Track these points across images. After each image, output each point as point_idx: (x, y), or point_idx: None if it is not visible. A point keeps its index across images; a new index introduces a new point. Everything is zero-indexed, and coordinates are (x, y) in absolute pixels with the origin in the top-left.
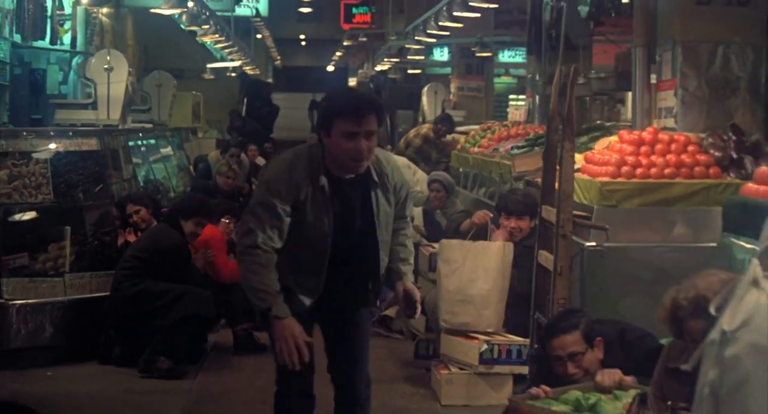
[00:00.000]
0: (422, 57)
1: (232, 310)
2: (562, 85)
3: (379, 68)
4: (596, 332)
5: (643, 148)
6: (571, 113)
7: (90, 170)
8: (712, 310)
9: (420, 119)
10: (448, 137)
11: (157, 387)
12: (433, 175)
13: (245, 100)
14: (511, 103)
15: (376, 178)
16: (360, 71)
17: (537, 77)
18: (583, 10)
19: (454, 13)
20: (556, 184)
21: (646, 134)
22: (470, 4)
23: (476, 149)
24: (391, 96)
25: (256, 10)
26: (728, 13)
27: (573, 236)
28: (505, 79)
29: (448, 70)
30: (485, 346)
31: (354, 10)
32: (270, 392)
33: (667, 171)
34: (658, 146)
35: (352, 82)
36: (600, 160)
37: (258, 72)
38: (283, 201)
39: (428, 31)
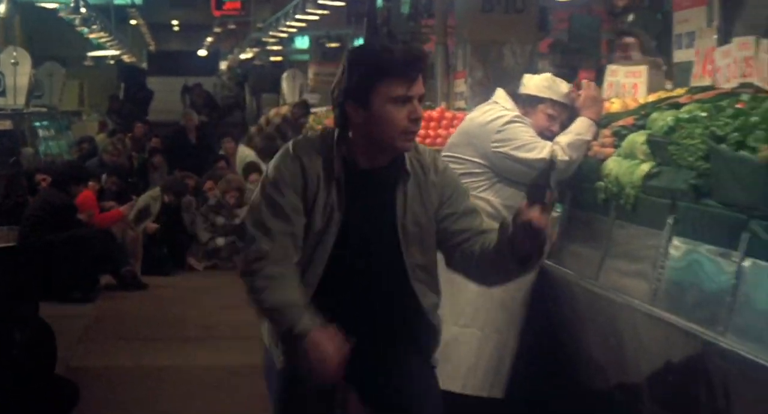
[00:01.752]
0: (280, 47)
1: (115, 253)
2: None
3: (243, 56)
4: None
5: (432, 123)
6: None
7: (5, 146)
8: None
9: (281, 101)
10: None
11: (61, 312)
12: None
13: (122, 85)
14: None
15: (409, 168)
16: (230, 56)
17: None
18: (405, 9)
19: (307, 10)
20: None
21: (435, 113)
22: (319, 2)
23: (320, 126)
24: (257, 81)
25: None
26: (506, 19)
27: None
28: None
29: (307, 56)
30: None
31: None
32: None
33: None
34: (444, 122)
35: (223, 66)
36: None
37: (134, 59)
38: (292, 199)
39: (288, 23)
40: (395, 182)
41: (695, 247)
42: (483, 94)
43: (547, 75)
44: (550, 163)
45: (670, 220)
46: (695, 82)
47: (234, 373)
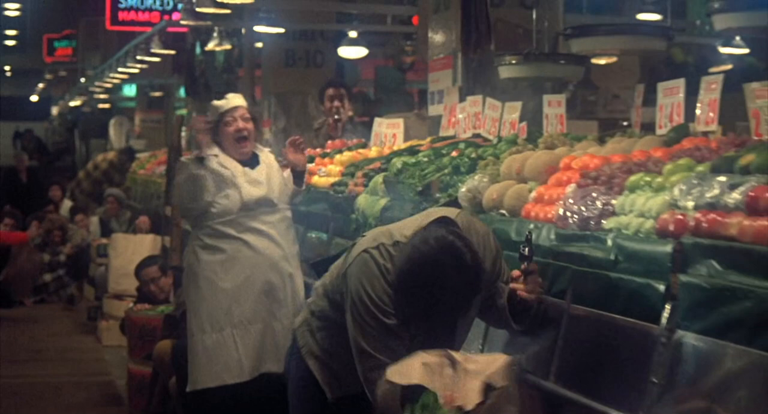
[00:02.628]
0: (107, 95)
1: None
2: (178, 125)
3: (73, 103)
4: None
5: None
6: (179, 145)
7: None
8: None
9: (108, 147)
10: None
11: None
12: (108, 191)
13: None
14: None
15: None
16: (61, 102)
17: (194, 114)
18: (219, 62)
19: (135, 59)
20: None
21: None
22: (143, 55)
23: (142, 171)
24: (86, 126)
25: None
26: (307, 72)
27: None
28: (183, 111)
29: (134, 103)
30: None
31: (56, 44)
32: None
33: None
34: None
35: (55, 111)
36: None
37: None
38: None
39: (116, 70)
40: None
41: None
42: (285, 142)
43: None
44: (528, 235)
45: None
46: (443, 132)
47: (57, 387)
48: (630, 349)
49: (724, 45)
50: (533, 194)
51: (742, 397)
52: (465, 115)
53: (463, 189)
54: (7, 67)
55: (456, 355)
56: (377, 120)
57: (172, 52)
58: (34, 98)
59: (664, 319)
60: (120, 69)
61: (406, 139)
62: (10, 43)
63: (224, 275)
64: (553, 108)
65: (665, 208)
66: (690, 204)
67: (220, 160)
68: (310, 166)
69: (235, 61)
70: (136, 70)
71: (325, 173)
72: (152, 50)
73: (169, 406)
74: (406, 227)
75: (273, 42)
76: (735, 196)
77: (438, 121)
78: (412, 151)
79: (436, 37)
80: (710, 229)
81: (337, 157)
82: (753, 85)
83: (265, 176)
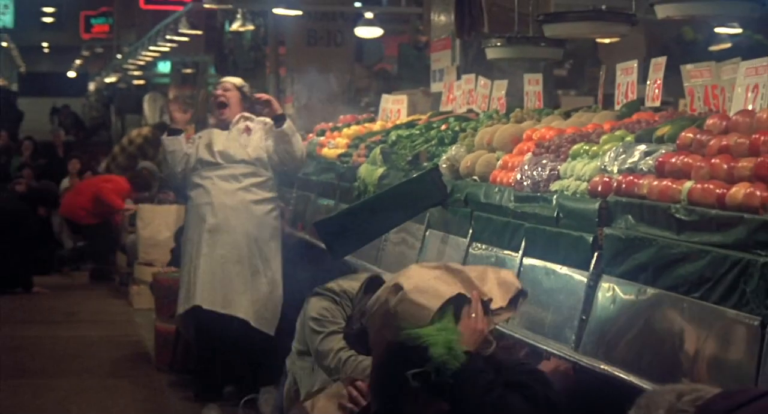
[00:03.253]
0: (141, 72)
1: None
2: (203, 100)
3: (108, 80)
4: None
5: None
6: (204, 119)
7: None
8: None
9: (143, 122)
10: None
11: None
12: (141, 164)
13: None
14: None
15: None
16: (97, 78)
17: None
18: (247, 42)
19: (167, 37)
20: None
21: None
22: (179, 31)
23: None
24: (122, 102)
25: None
26: (327, 51)
27: None
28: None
29: (168, 80)
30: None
31: (93, 21)
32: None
33: None
34: None
35: (92, 87)
36: None
37: (6, 83)
38: None
39: (150, 48)
40: None
41: None
42: (308, 118)
43: None
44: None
45: None
46: (442, 108)
47: (90, 345)
48: (567, 292)
49: (719, 24)
50: (500, 162)
51: (648, 327)
52: (461, 92)
53: (444, 158)
54: (45, 44)
55: (453, 264)
56: (384, 96)
57: (199, 32)
58: (71, 74)
59: (591, 266)
60: (151, 48)
61: (412, 113)
62: (48, 20)
63: (189, 218)
64: (533, 86)
65: (596, 173)
66: (615, 168)
67: (201, 133)
68: (321, 138)
69: (261, 40)
70: (166, 49)
71: (334, 146)
72: (180, 30)
73: (191, 361)
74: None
75: (295, 23)
76: (649, 161)
77: (439, 97)
78: (410, 125)
79: (437, 20)
80: (627, 189)
81: (345, 130)
82: (688, 67)
83: (225, 137)
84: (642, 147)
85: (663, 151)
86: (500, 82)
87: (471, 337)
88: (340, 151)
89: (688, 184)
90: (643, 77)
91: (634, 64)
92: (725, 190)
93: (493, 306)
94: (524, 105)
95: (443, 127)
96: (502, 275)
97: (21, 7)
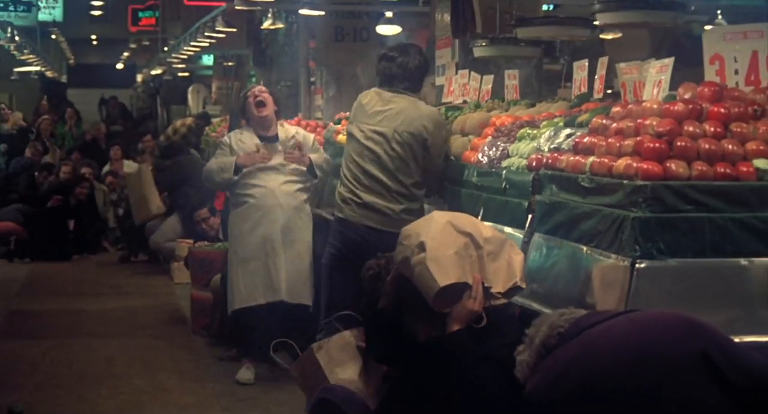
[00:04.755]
0: (184, 65)
1: None
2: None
3: (154, 72)
4: None
5: None
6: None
7: None
8: None
9: (187, 113)
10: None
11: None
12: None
13: (45, 97)
14: None
15: None
16: (144, 70)
17: (261, 82)
18: (282, 37)
19: (206, 33)
20: None
21: (293, 122)
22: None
23: (214, 134)
24: (167, 94)
25: (53, 17)
26: (354, 47)
27: None
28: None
29: (211, 72)
30: None
31: (140, 14)
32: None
33: None
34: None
35: (139, 78)
36: None
37: (56, 74)
38: None
39: (193, 43)
40: None
41: None
42: (336, 108)
43: None
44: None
45: None
46: (444, 99)
47: (134, 312)
48: None
49: (708, 22)
50: (470, 144)
51: (562, 270)
52: (457, 85)
53: None
54: (93, 37)
55: (477, 235)
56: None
57: (234, 30)
58: (119, 66)
59: (526, 226)
60: (192, 43)
61: None
62: (97, 13)
63: (253, 215)
64: (511, 80)
65: (533, 152)
66: (546, 148)
67: (240, 137)
68: (337, 126)
69: (294, 35)
70: (206, 44)
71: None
72: (217, 28)
73: (226, 327)
74: None
75: (323, 20)
76: (569, 142)
77: (440, 90)
78: None
79: (441, 20)
80: (553, 164)
81: None
82: (622, 65)
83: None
84: (567, 131)
85: (578, 134)
86: (488, 77)
87: (465, 315)
88: None
89: (591, 158)
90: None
91: (585, 62)
92: (613, 163)
93: (492, 290)
94: (505, 97)
95: None
96: (513, 257)
97: (70, 0)
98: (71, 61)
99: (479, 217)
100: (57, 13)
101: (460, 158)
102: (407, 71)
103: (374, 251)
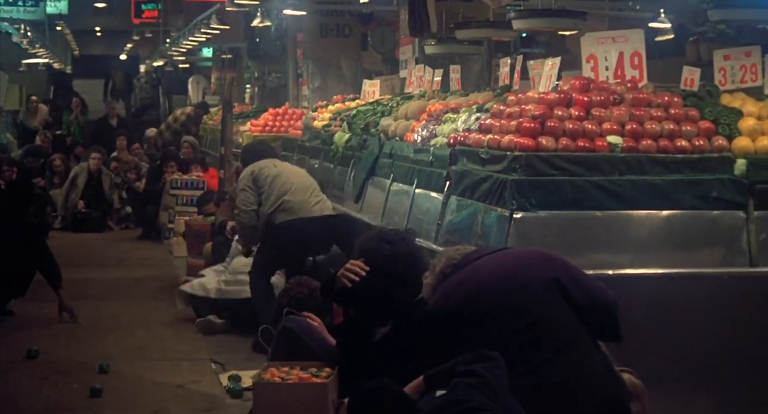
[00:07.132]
0: (185, 57)
1: None
2: (229, 84)
3: (156, 63)
4: None
5: (278, 117)
6: (230, 99)
7: None
8: None
9: (188, 102)
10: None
11: None
12: (184, 138)
13: (52, 88)
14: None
15: None
16: (147, 61)
17: (256, 74)
18: (273, 32)
19: (203, 30)
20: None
21: (281, 110)
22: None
23: (211, 122)
24: (169, 84)
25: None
26: (338, 41)
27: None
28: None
29: (210, 63)
30: None
31: (143, 6)
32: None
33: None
34: (286, 116)
35: (142, 69)
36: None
37: (62, 66)
38: None
39: (193, 36)
40: None
41: None
42: (321, 97)
43: None
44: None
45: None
46: (406, 90)
47: (136, 280)
48: (433, 207)
49: (652, 20)
50: (411, 127)
51: (467, 224)
52: (416, 78)
53: (381, 125)
54: (97, 28)
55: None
56: (365, 81)
57: (227, 27)
58: (122, 57)
59: (445, 190)
60: (191, 38)
61: (389, 94)
62: (101, 5)
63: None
64: (455, 74)
65: (452, 132)
66: (461, 128)
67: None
68: (314, 113)
69: (284, 31)
70: (203, 39)
71: (321, 119)
72: (212, 25)
73: None
74: None
75: (309, 18)
76: (477, 124)
77: (404, 82)
78: (375, 103)
79: (404, 20)
80: (464, 141)
81: (330, 107)
82: (531, 62)
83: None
84: (477, 114)
85: (483, 117)
86: (438, 71)
87: None
88: (324, 122)
89: (488, 136)
90: None
91: (508, 59)
92: (501, 139)
93: None
94: (451, 88)
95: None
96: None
97: None
98: (76, 53)
99: (413, 186)
100: (63, 6)
101: (403, 138)
102: None
103: None
